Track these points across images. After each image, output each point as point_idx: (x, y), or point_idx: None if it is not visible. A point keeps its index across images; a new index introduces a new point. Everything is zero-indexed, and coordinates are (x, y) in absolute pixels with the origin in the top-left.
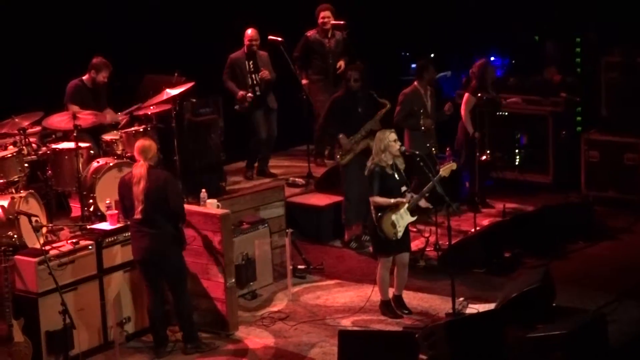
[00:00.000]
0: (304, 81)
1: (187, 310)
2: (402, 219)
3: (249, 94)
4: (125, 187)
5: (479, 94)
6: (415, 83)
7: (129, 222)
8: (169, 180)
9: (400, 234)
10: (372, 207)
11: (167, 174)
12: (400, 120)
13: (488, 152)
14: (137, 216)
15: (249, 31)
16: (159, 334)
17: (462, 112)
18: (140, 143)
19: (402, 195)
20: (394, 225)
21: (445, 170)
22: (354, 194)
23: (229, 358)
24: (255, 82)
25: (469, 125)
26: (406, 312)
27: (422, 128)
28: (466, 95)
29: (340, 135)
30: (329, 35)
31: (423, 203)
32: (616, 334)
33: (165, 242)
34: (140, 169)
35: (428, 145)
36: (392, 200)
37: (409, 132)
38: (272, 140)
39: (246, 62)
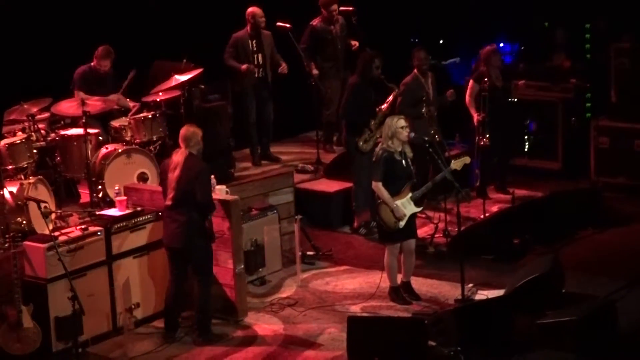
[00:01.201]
0: (314, 71)
1: (204, 302)
2: (405, 209)
3: (252, 66)
4: (164, 172)
5: (483, 82)
6: (415, 71)
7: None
8: (201, 171)
9: (401, 224)
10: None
11: (201, 166)
12: (403, 109)
13: (487, 136)
14: (168, 202)
15: (255, 9)
16: (170, 319)
17: (467, 97)
18: (184, 130)
19: (408, 183)
20: (393, 214)
21: (457, 163)
22: (364, 181)
23: (238, 344)
24: (258, 62)
25: (472, 110)
26: (415, 299)
27: (424, 115)
28: (470, 81)
29: (372, 122)
30: (334, 21)
31: (414, 208)
32: (625, 321)
33: (190, 232)
34: (178, 156)
35: (432, 132)
36: (391, 203)
37: (411, 121)
38: (269, 125)
39: (250, 42)
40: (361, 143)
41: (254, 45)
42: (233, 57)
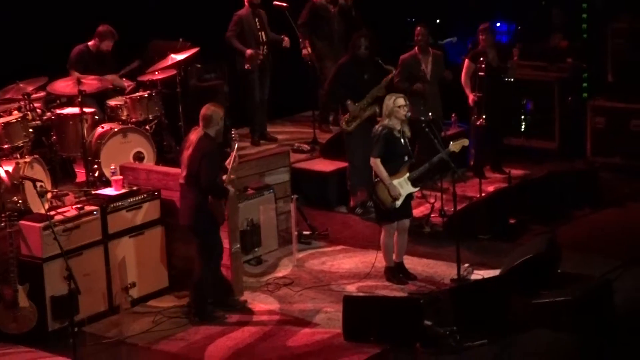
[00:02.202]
0: (307, 49)
1: (200, 283)
2: (402, 188)
3: (259, 52)
4: (182, 150)
5: (479, 61)
6: (416, 48)
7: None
8: (205, 154)
9: (398, 204)
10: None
11: (208, 149)
12: (398, 84)
13: (484, 117)
14: (181, 180)
15: None
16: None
17: (462, 76)
18: (204, 109)
19: (406, 163)
20: (389, 192)
21: (455, 145)
22: (358, 160)
23: (234, 323)
24: (262, 40)
25: (467, 90)
26: (409, 278)
27: (421, 91)
28: (466, 60)
29: (348, 102)
30: (334, 1)
31: (410, 188)
32: (622, 300)
33: (194, 212)
34: (194, 135)
35: (422, 109)
36: (388, 181)
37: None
38: (265, 104)
39: (254, 19)
40: (344, 123)
41: (257, 22)
42: (237, 36)
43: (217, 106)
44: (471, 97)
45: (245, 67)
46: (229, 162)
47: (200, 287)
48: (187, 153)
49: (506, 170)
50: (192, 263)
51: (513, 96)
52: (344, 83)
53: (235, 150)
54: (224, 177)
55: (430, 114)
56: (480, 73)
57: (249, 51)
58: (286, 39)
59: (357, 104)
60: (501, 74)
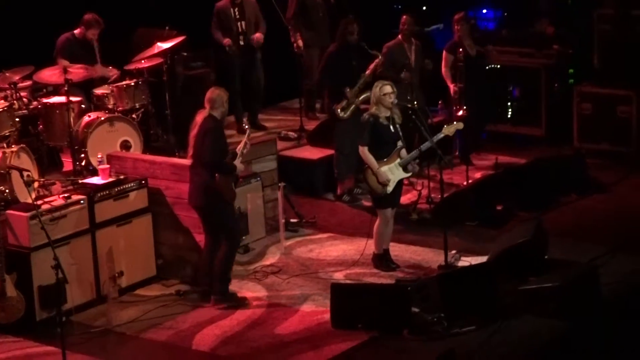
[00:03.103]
0: (299, 42)
1: (219, 263)
2: (392, 174)
3: (232, 43)
4: (190, 131)
5: (458, 51)
6: (400, 36)
7: None
8: (209, 130)
9: (389, 190)
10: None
11: (210, 127)
12: (382, 71)
13: (465, 107)
14: (188, 160)
15: None
16: (201, 275)
17: (442, 69)
18: (209, 92)
19: (397, 149)
20: (378, 179)
21: (449, 129)
22: (346, 148)
23: (223, 311)
24: (240, 30)
25: (449, 81)
26: (393, 265)
27: (405, 80)
28: (444, 52)
29: (347, 89)
30: None
31: (411, 166)
32: (608, 286)
33: (202, 193)
34: (200, 116)
35: (408, 97)
36: (375, 167)
37: None
38: (258, 91)
39: (231, 10)
40: (339, 110)
41: (236, 12)
42: (218, 27)
43: (221, 89)
44: (452, 88)
45: (241, 44)
46: (239, 148)
47: (220, 268)
48: (192, 133)
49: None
50: (179, 252)
51: (499, 83)
52: (335, 70)
53: (246, 136)
54: (235, 161)
55: (415, 102)
56: (459, 63)
57: (225, 41)
58: (256, 35)
59: (349, 91)
60: (480, 61)
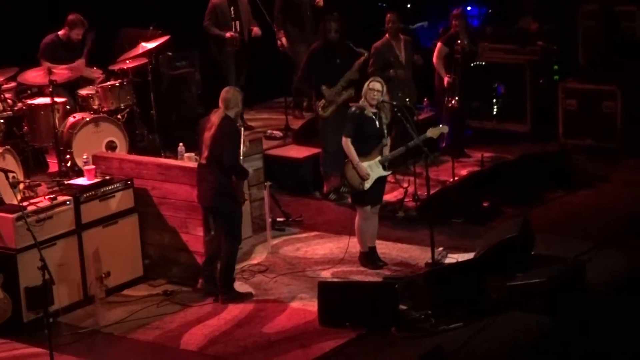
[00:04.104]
0: (283, 40)
1: (226, 262)
2: (372, 171)
3: (236, 34)
4: (201, 130)
5: (457, 44)
6: (387, 35)
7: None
8: (230, 134)
9: (366, 186)
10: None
11: (231, 128)
12: (374, 72)
13: (457, 98)
14: (202, 161)
15: None
16: (207, 273)
17: (434, 59)
18: (224, 91)
19: (380, 146)
20: (358, 173)
21: (433, 131)
22: (332, 146)
23: (210, 311)
24: (236, 29)
25: (442, 72)
26: (380, 263)
27: (396, 78)
28: (438, 44)
29: (323, 87)
30: None
31: (381, 172)
32: (595, 282)
33: (216, 192)
34: (216, 116)
35: (400, 95)
36: (355, 160)
37: None
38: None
39: (229, 8)
40: (320, 108)
41: (232, 11)
42: (214, 23)
43: (235, 89)
44: (446, 79)
45: (219, 55)
46: None
47: (226, 267)
48: (208, 134)
49: (469, 153)
50: (166, 252)
51: (484, 79)
52: (317, 68)
53: (242, 135)
54: None
55: (407, 100)
56: (457, 55)
57: (228, 34)
58: (254, 29)
59: (332, 89)
60: (472, 57)
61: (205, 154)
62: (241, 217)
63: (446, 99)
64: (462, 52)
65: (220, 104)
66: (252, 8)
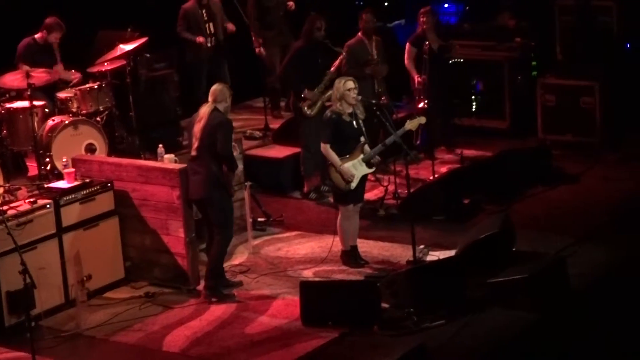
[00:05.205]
0: (261, 47)
1: (216, 255)
2: (356, 170)
3: (204, 39)
4: (191, 124)
5: (424, 44)
6: (359, 33)
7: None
8: (222, 123)
9: (353, 186)
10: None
11: (223, 118)
12: (348, 70)
13: (426, 101)
14: (193, 153)
15: None
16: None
17: (405, 61)
18: (213, 87)
19: (360, 144)
20: (342, 176)
21: (411, 123)
22: (313, 145)
23: (192, 312)
24: (209, 31)
25: (412, 72)
26: (362, 262)
27: (373, 75)
28: (407, 44)
29: (306, 91)
30: None
31: (374, 160)
32: (576, 277)
33: (209, 184)
34: (205, 108)
35: (375, 92)
36: (338, 164)
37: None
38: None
39: (200, 11)
40: (305, 108)
41: (205, 14)
42: (185, 28)
43: (224, 84)
44: (417, 80)
45: (209, 45)
46: None
47: (215, 261)
48: (199, 126)
49: (457, 151)
50: (147, 254)
51: (462, 76)
52: (299, 68)
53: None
54: None
55: (383, 97)
56: (424, 56)
57: (198, 39)
58: (228, 25)
59: (315, 90)
60: (444, 54)
61: (195, 145)
62: (232, 209)
63: (416, 99)
64: (429, 52)
65: (210, 97)
66: (228, 8)
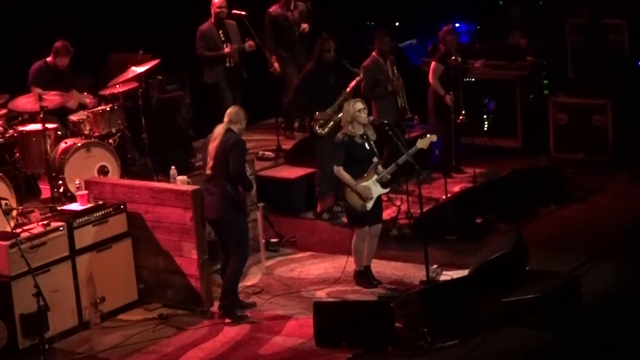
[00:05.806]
0: (275, 65)
1: (232, 275)
2: (372, 191)
3: (234, 46)
4: (205, 144)
5: (451, 60)
6: (374, 53)
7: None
8: (235, 144)
9: (369, 206)
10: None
11: (237, 139)
12: (367, 91)
13: (463, 112)
14: (207, 172)
15: None
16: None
17: (431, 79)
18: (229, 109)
19: (373, 165)
20: (360, 196)
21: (423, 142)
22: (329, 166)
23: (206, 334)
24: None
25: (440, 91)
26: (375, 282)
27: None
28: (433, 63)
29: (317, 113)
30: (292, 7)
31: (380, 190)
32: (590, 296)
33: (223, 204)
34: (220, 128)
35: (397, 110)
36: (353, 185)
37: (376, 103)
38: None
39: (217, 32)
40: (317, 127)
41: (221, 35)
42: (205, 48)
43: (241, 108)
44: (448, 97)
45: (227, 65)
46: None
47: (231, 281)
48: (213, 145)
49: (467, 170)
50: (160, 276)
51: (475, 96)
52: (309, 90)
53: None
54: None
55: (409, 112)
56: (452, 72)
57: (226, 49)
58: (248, 43)
59: (328, 110)
60: (464, 73)
61: (210, 164)
62: (248, 229)
63: (452, 116)
64: (457, 67)
65: (225, 118)
66: (242, 30)
